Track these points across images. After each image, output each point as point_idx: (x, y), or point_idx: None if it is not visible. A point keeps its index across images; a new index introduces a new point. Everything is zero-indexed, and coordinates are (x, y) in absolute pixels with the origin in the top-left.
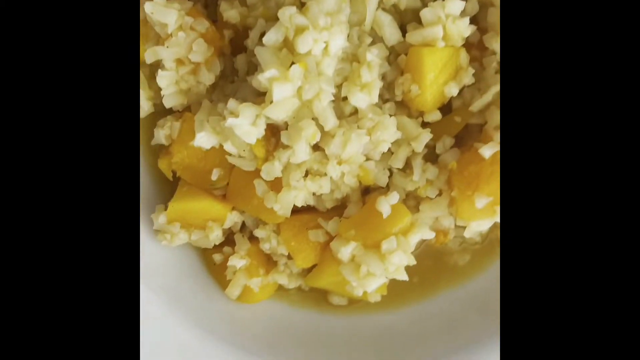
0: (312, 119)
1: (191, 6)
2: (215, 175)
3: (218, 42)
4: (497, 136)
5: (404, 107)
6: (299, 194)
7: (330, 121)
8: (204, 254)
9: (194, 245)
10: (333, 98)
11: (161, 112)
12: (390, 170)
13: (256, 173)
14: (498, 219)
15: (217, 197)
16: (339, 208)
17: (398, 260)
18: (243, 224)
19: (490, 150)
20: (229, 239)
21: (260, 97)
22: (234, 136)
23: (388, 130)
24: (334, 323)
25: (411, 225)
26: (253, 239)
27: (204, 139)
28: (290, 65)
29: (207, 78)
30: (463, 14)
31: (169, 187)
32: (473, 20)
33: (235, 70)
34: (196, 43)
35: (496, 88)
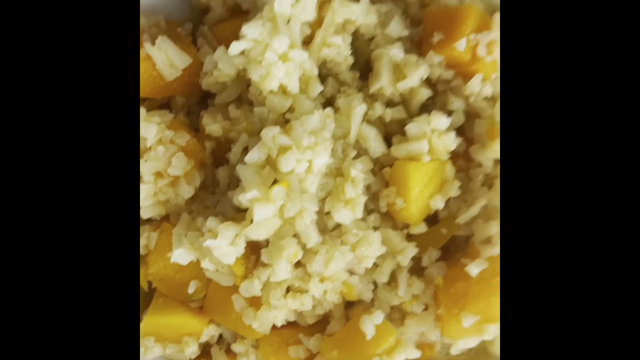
0: (294, 235)
1: (172, 118)
2: (192, 287)
3: (199, 154)
4: (484, 252)
5: (388, 218)
6: (279, 313)
7: (312, 239)
8: None
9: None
10: (316, 216)
11: None
12: (374, 283)
13: (234, 287)
14: (486, 337)
15: (194, 310)
16: (321, 322)
17: None
18: (220, 336)
19: (477, 268)
20: (205, 350)
21: (241, 212)
22: (212, 254)
23: (372, 246)
24: None
25: (396, 344)
26: (230, 352)
27: (181, 256)
28: (273, 183)
29: (187, 191)
30: (449, 126)
31: (143, 298)
32: (460, 131)
33: (216, 180)
34: (176, 157)
35: (483, 201)
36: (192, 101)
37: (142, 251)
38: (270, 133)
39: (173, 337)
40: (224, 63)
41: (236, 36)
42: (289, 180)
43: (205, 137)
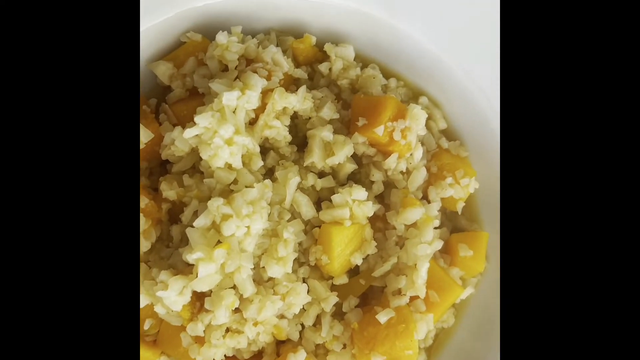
0: (233, 286)
1: None
2: (147, 325)
3: (156, 214)
4: (393, 302)
5: (317, 270)
6: (218, 350)
7: (248, 290)
8: None
9: None
10: (251, 272)
11: None
12: (302, 324)
13: (183, 326)
14: None
15: (149, 343)
16: (256, 357)
17: None
18: None
19: (385, 316)
20: None
21: (190, 265)
22: (163, 301)
23: (300, 296)
24: None
25: None
26: None
27: None
28: (217, 243)
29: (144, 245)
30: (370, 194)
31: None
32: (379, 197)
33: (171, 235)
34: None
35: (394, 259)
36: (153, 164)
37: None
38: (215, 204)
39: None
40: (179, 141)
41: (192, 116)
42: (229, 242)
43: (162, 199)
